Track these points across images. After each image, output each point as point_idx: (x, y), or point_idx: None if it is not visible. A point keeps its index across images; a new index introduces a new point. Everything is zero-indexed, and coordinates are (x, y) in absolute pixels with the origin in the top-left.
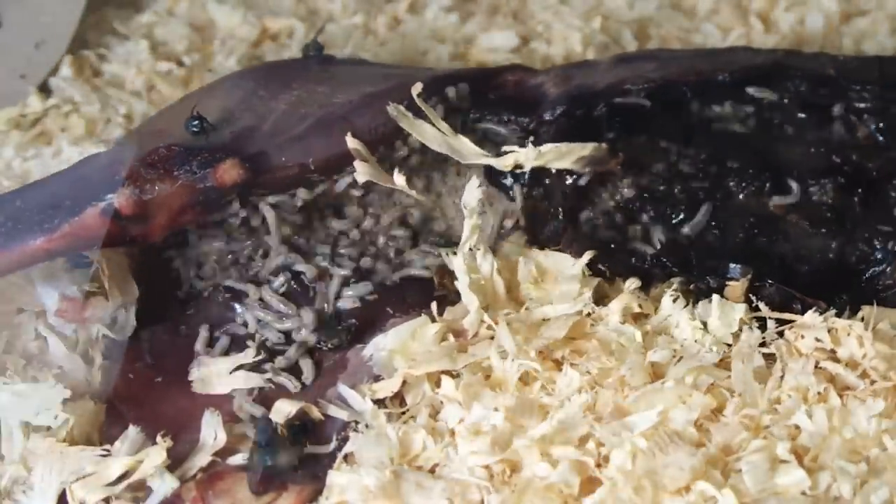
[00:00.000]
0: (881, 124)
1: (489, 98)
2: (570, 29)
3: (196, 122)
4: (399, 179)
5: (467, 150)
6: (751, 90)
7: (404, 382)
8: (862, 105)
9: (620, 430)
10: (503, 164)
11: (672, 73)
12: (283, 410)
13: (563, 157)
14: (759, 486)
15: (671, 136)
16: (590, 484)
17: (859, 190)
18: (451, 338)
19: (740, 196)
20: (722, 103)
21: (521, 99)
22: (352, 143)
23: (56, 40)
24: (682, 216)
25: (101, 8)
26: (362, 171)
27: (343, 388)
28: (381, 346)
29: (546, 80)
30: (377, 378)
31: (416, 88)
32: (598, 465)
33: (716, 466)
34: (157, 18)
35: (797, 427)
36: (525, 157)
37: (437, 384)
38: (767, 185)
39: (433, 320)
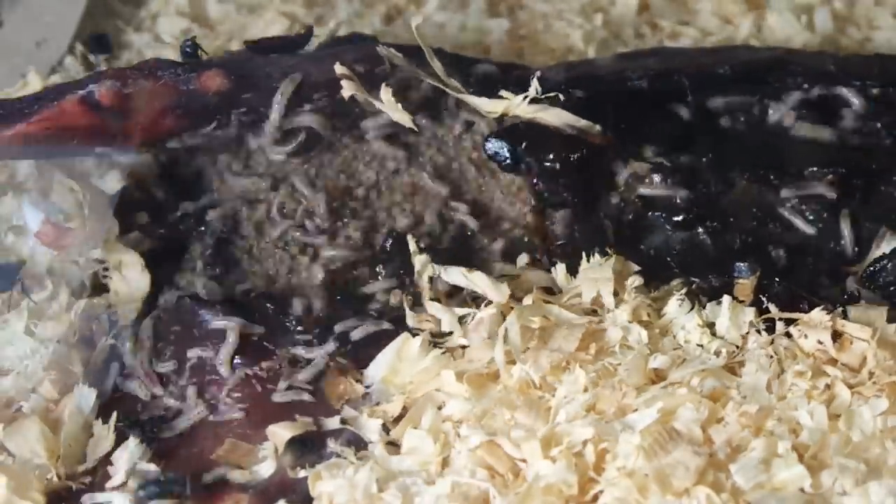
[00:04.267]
0: (881, 121)
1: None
2: (571, 26)
3: (189, 44)
4: (385, 94)
5: (456, 88)
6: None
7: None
8: (862, 102)
9: (622, 428)
10: (493, 108)
11: (674, 65)
12: (280, 435)
13: (555, 116)
14: (750, 482)
15: (668, 129)
16: (591, 484)
17: (859, 186)
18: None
19: (740, 192)
20: (722, 97)
21: (523, 83)
22: (339, 69)
23: (58, 39)
24: (681, 215)
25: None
26: (348, 88)
27: (345, 409)
28: (373, 377)
29: (548, 71)
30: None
31: (417, 19)
32: (600, 465)
33: (719, 468)
34: (159, 11)
35: (799, 424)
36: (517, 105)
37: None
38: (769, 180)
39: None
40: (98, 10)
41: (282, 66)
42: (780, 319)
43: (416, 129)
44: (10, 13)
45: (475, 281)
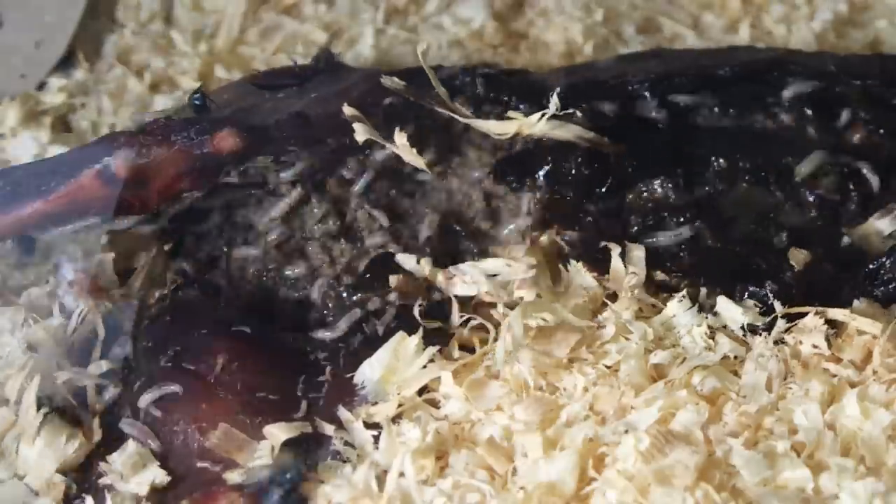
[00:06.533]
0: (882, 121)
1: (492, 87)
2: (571, 20)
3: (198, 97)
4: (400, 139)
5: (464, 114)
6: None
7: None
8: (863, 102)
9: (622, 430)
10: (504, 129)
11: (674, 68)
12: (276, 435)
13: (565, 131)
14: (755, 476)
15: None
16: (591, 484)
17: (859, 186)
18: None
19: (740, 192)
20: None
21: (524, 89)
22: (348, 110)
23: (56, 40)
24: (682, 218)
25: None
26: (361, 132)
27: (340, 411)
28: (367, 375)
29: (549, 76)
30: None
31: (421, 46)
32: (600, 466)
33: (718, 467)
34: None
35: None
36: (528, 123)
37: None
38: (769, 180)
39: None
40: (97, 10)
41: (290, 110)
42: (783, 315)
43: (429, 171)
44: (9, 13)
45: (492, 266)
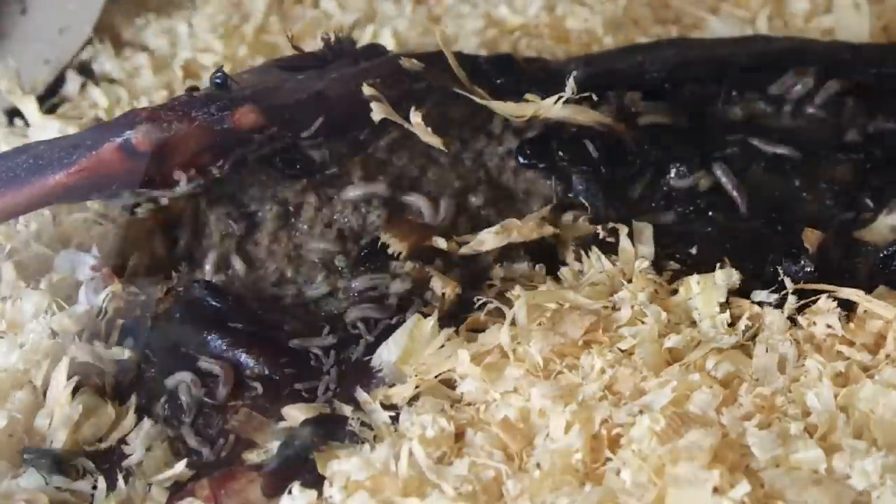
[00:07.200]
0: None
1: (510, 75)
2: (592, 11)
3: (219, 75)
4: (415, 118)
5: (482, 96)
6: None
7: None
8: (878, 90)
9: (637, 410)
10: (521, 111)
11: (691, 58)
12: (294, 416)
13: (582, 115)
14: (766, 454)
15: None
16: (607, 464)
17: (875, 172)
18: None
19: (758, 176)
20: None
21: (542, 78)
22: (368, 90)
23: (80, 26)
24: (699, 202)
25: None
26: (378, 111)
27: (358, 393)
28: (385, 357)
29: (567, 65)
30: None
31: (439, 31)
32: (615, 446)
33: (732, 448)
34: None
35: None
36: (545, 107)
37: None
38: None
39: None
40: None
41: (310, 90)
42: (797, 298)
43: (445, 150)
44: (34, 1)
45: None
